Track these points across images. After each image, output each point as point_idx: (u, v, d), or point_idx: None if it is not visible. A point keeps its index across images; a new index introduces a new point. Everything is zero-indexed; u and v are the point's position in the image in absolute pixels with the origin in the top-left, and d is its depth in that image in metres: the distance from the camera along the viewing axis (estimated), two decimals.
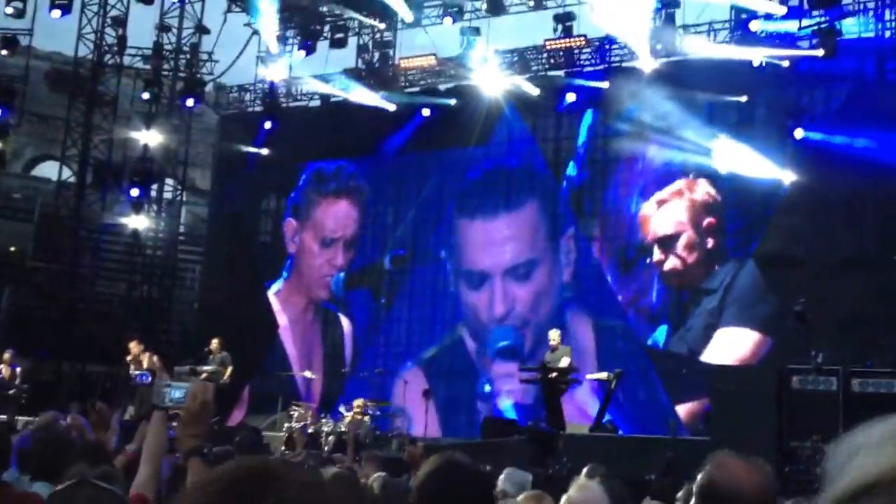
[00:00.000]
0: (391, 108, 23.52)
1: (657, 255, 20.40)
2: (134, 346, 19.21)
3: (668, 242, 20.34)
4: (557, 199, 22.02)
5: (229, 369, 19.86)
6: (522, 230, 22.14)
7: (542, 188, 22.28)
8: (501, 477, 6.59)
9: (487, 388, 21.56)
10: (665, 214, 20.44)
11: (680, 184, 20.31)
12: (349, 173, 24.59)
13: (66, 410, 10.61)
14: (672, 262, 20.27)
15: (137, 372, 18.36)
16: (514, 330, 21.59)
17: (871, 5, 19.20)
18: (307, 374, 22.06)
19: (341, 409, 19.23)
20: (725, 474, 3.21)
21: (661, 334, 20.33)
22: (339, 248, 24.48)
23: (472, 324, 22.31)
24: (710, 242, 19.99)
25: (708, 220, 19.97)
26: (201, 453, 3.54)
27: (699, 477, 3.29)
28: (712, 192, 20.02)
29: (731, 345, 19.22)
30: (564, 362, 16.99)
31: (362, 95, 23.69)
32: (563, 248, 21.72)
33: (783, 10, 19.34)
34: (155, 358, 19.02)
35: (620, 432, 17.21)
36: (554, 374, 16.69)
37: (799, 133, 18.68)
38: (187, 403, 3.66)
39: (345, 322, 24.21)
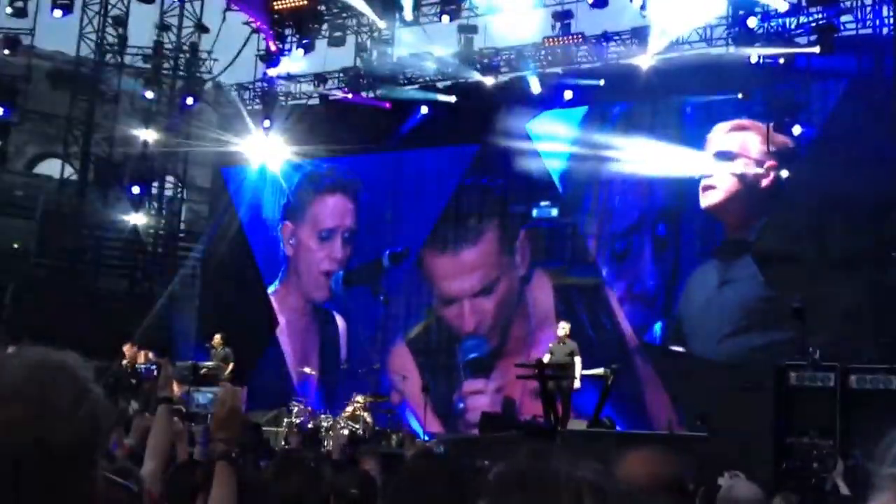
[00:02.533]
0: (389, 106, 23.64)
1: (707, 167, 20.18)
2: (128, 349, 19.32)
3: (726, 156, 20.09)
4: (510, 213, 22.63)
5: (230, 365, 19.98)
6: (485, 257, 22.73)
7: (500, 209, 22.78)
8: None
9: (461, 405, 21.87)
10: (736, 136, 20.15)
11: (760, 124, 19.86)
12: (343, 169, 24.67)
13: None
14: (721, 180, 20.06)
15: (143, 365, 18.48)
16: (482, 339, 22.18)
17: (868, 1, 19.23)
18: (307, 370, 22.18)
19: (348, 403, 19.34)
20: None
21: (658, 329, 20.45)
22: (336, 241, 24.61)
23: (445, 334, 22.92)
24: (765, 182, 19.61)
25: (770, 162, 19.55)
26: (229, 458, 3.60)
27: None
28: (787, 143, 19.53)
29: None
30: (578, 362, 17.08)
31: (361, 94, 23.82)
32: (518, 251, 22.28)
33: (785, 5, 19.37)
34: (151, 355, 19.12)
35: (618, 428, 17.30)
36: (550, 373, 16.85)
37: (796, 129, 18.74)
38: (215, 409, 3.71)
39: (340, 320, 24.33)
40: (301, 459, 4.46)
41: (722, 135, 20.18)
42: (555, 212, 21.95)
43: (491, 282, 22.37)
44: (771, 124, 19.31)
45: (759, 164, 19.55)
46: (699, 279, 20.00)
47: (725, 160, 20.03)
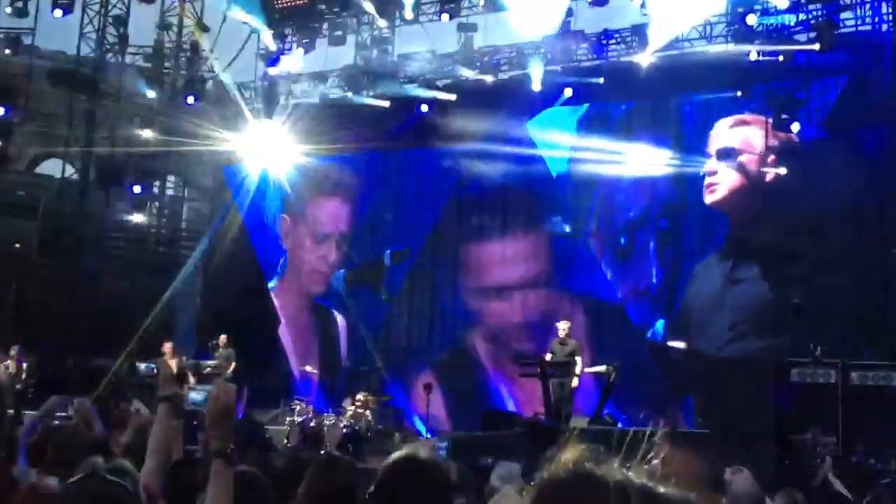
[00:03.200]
0: (389, 104, 23.62)
1: (710, 165, 20.11)
2: (168, 349, 19.48)
3: (729, 152, 20.03)
4: (547, 201, 22.34)
5: (232, 365, 20.01)
6: (528, 246, 22.53)
7: (538, 199, 22.60)
8: (493, 471, 6.60)
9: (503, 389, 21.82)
10: (738, 131, 20.12)
11: (762, 117, 19.74)
12: (344, 171, 24.63)
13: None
14: (723, 176, 20.00)
15: (143, 365, 18.55)
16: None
17: None
18: (308, 368, 22.19)
19: (345, 403, 19.36)
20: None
21: (660, 327, 20.45)
22: (332, 245, 24.71)
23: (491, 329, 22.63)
24: (769, 176, 19.42)
25: (772, 157, 19.31)
26: (225, 454, 3.60)
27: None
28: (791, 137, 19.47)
29: None
30: (578, 362, 17.13)
31: (361, 92, 23.83)
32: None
33: (785, 2, 19.37)
34: (184, 358, 19.30)
35: (620, 425, 17.31)
36: (552, 369, 16.87)
37: (795, 126, 18.74)
38: (209, 406, 3.70)
39: (340, 319, 24.37)
40: (343, 459, 4.47)
41: (725, 130, 20.17)
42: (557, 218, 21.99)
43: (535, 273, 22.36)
44: (770, 119, 19.33)
45: (763, 158, 19.47)
46: (704, 275, 19.99)
47: (729, 157, 19.98)
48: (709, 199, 20.08)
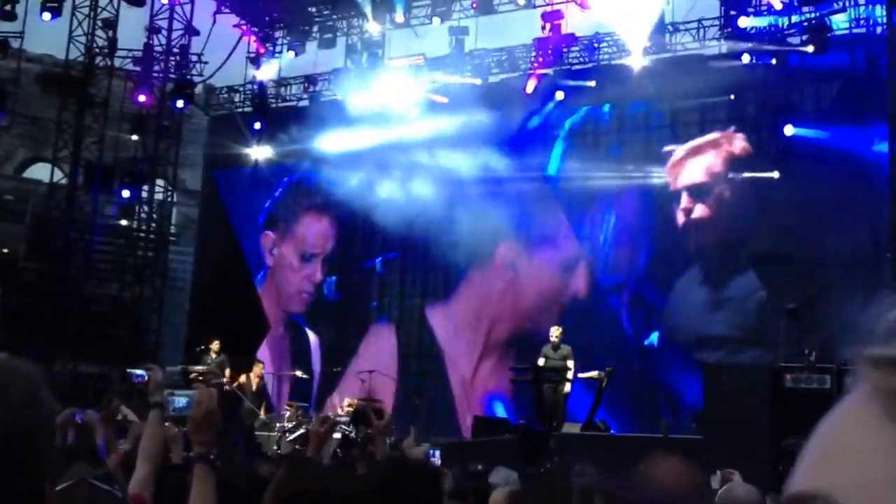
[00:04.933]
0: (380, 108, 23.50)
1: (685, 202, 20.24)
2: (258, 369, 19.29)
3: (697, 191, 20.21)
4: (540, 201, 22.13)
5: (227, 371, 19.86)
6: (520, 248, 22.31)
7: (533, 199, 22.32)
8: (490, 476, 6.60)
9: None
10: (697, 162, 20.29)
11: (715, 135, 20.16)
12: (332, 178, 24.28)
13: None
14: (700, 211, 20.14)
15: (134, 371, 18.33)
16: None
17: (861, 1, 19.20)
18: (299, 373, 22.07)
19: (343, 402, 19.27)
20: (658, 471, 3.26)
21: (654, 337, 20.39)
22: (317, 264, 24.62)
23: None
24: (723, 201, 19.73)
25: (733, 174, 19.72)
26: (206, 459, 3.53)
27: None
28: (748, 146, 19.86)
29: None
30: (570, 364, 17.04)
31: (351, 96, 23.76)
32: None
33: (778, 4, 19.35)
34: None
35: (612, 431, 17.22)
36: (546, 374, 16.79)
37: (789, 129, 18.71)
38: (191, 411, 3.64)
39: (311, 336, 24.33)
40: (308, 461, 4.43)
41: (683, 162, 20.39)
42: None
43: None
44: (731, 129, 19.48)
45: (726, 178, 19.71)
46: (694, 280, 19.98)
47: (695, 193, 20.16)
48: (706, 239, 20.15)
